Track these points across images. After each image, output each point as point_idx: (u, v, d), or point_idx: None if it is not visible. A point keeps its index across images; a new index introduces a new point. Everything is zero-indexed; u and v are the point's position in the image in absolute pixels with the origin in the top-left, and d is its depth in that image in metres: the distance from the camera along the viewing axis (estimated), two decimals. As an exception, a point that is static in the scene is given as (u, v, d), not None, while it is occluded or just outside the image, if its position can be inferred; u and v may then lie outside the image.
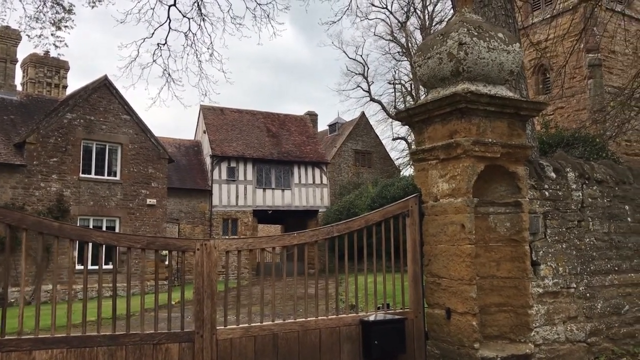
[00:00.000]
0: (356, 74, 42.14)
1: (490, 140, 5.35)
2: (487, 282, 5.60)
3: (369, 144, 42.42)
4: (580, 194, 6.08)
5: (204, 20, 14.64)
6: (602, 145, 15.16)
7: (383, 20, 41.74)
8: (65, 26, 14.66)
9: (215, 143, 32.80)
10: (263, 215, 33.75)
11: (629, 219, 6.38)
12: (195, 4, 14.53)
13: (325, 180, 35.38)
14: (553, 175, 5.96)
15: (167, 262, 25.78)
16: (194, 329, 4.71)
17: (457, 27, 5.41)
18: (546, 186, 5.87)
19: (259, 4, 15.62)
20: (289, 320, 5.14)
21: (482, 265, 5.59)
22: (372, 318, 5.41)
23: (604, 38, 25.21)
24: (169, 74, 16.59)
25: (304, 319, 5.16)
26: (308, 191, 34.46)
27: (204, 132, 34.15)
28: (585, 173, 6.16)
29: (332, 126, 46.01)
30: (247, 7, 15.98)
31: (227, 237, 29.96)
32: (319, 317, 5.24)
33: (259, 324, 5.00)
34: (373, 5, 41.76)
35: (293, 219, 34.91)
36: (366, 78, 43.25)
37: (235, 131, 34.40)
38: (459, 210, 5.34)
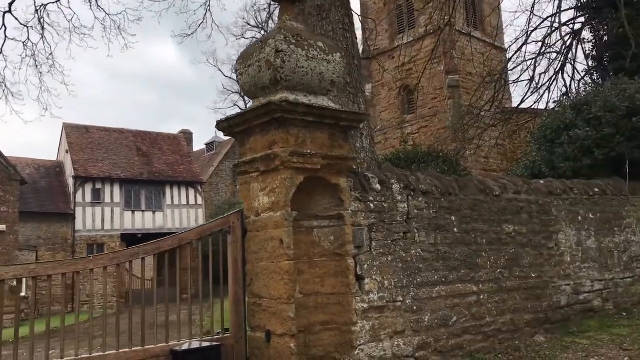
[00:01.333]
0: (232, 92, 41.67)
1: (309, 151, 5.13)
2: (312, 299, 5.34)
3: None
4: (406, 206, 6.04)
5: (44, 29, 13.48)
6: (456, 160, 15.91)
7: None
8: None
9: (79, 163, 30.70)
10: (132, 240, 31.85)
11: (455, 229, 6.44)
12: (37, 13, 13.37)
13: (200, 201, 34.30)
14: (378, 187, 5.87)
15: (23, 294, 23.46)
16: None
17: (275, 34, 5.17)
18: (371, 198, 5.76)
19: (108, 14, 14.70)
20: (84, 356, 4.52)
21: (306, 282, 5.33)
22: (185, 347, 4.94)
23: (462, 61, 26.87)
24: (5, 86, 15.08)
25: (101, 354, 4.57)
26: (182, 212, 33.21)
27: (67, 151, 31.89)
28: (410, 184, 6.15)
29: (210, 145, 45.08)
30: (95, 17, 14.84)
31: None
32: (121, 350, 4.67)
33: (44, 362, 4.35)
34: (249, 24, 41.36)
35: (166, 242, 33.37)
36: (243, 97, 42.82)
37: (101, 150, 32.46)
38: (278, 224, 5.04)
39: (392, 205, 5.93)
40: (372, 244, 5.67)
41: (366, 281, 5.51)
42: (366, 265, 5.53)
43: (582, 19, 14.10)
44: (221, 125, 5.59)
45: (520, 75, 15.34)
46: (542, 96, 14.76)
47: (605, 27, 12.98)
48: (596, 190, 8.54)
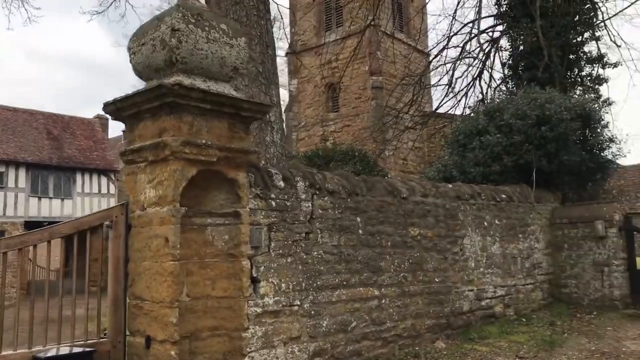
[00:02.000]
0: (153, 78, 39.83)
1: (205, 141, 4.70)
2: (201, 303, 4.91)
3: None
4: (310, 205, 5.74)
5: None
6: (373, 161, 15.91)
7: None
8: None
9: (-20, 144, 28.50)
10: (37, 227, 30.08)
11: (360, 231, 6.21)
12: None
13: (113, 190, 32.72)
14: (282, 184, 5.53)
15: None
16: None
17: (173, 12, 4.70)
18: (273, 195, 5.41)
19: (9, -18, 13.50)
20: None
21: (195, 285, 4.90)
22: (51, 353, 4.39)
23: (386, 62, 27.07)
24: None
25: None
26: (93, 201, 31.54)
27: (-33, 131, 29.53)
28: (316, 183, 5.85)
29: (127, 132, 43.14)
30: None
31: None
32: (-30, 358, 4.08)
33: None
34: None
35: (73, 232, 31.57)
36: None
37: (7, 132, 30.25)
38: (164, 221, 4.59)
39: (296, 204, 5.61)
40: (271, 244, 5.32)
41: (262, 284, 5.16)
42: (263, 267, 5.18)
43: (501, 27, 14.40)
44: (108, 107, 5.04)
45: (440, 80, 15.55)
46: (459, 101, 14.99)
47: (521, 37, 13.30)
48: (503, 196, 8.62)
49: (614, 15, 13.52)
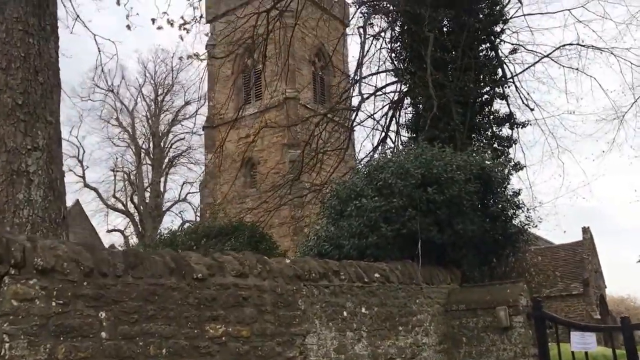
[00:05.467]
0: (69, 156, 37.26)
1: None
2: None
3: (82, 236, 37.18)
4: (-7, 294, 3.49)
5: None
6: (266, 235, 13.96)
7: (107, 103, 38.75)
8: None
9: None
10: None
11: (104, 333, 3.95)
12: None
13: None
14: None
15: None
16: None
17: None
18: None
19: None
20: None
21: None
22: None
23: (307, 135, 25.69)
24: None
25: None
26: None
27: None
28: (12, 257, 3.62)
29: (39, 214, 39.72)
30: None
31: None
32: None
33: None
34: (97, 86, 37.80)
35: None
36: (81, 162, 38.70)
37: None
38: None
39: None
40: None
41: None
42: None
43: (400, 87, 12.96)
44: None
45: (340, 145, 13.95)
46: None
47: (419, 96, 11.81)
48: (376, 275, 6.54)
49: (522, 71, 12.35)
